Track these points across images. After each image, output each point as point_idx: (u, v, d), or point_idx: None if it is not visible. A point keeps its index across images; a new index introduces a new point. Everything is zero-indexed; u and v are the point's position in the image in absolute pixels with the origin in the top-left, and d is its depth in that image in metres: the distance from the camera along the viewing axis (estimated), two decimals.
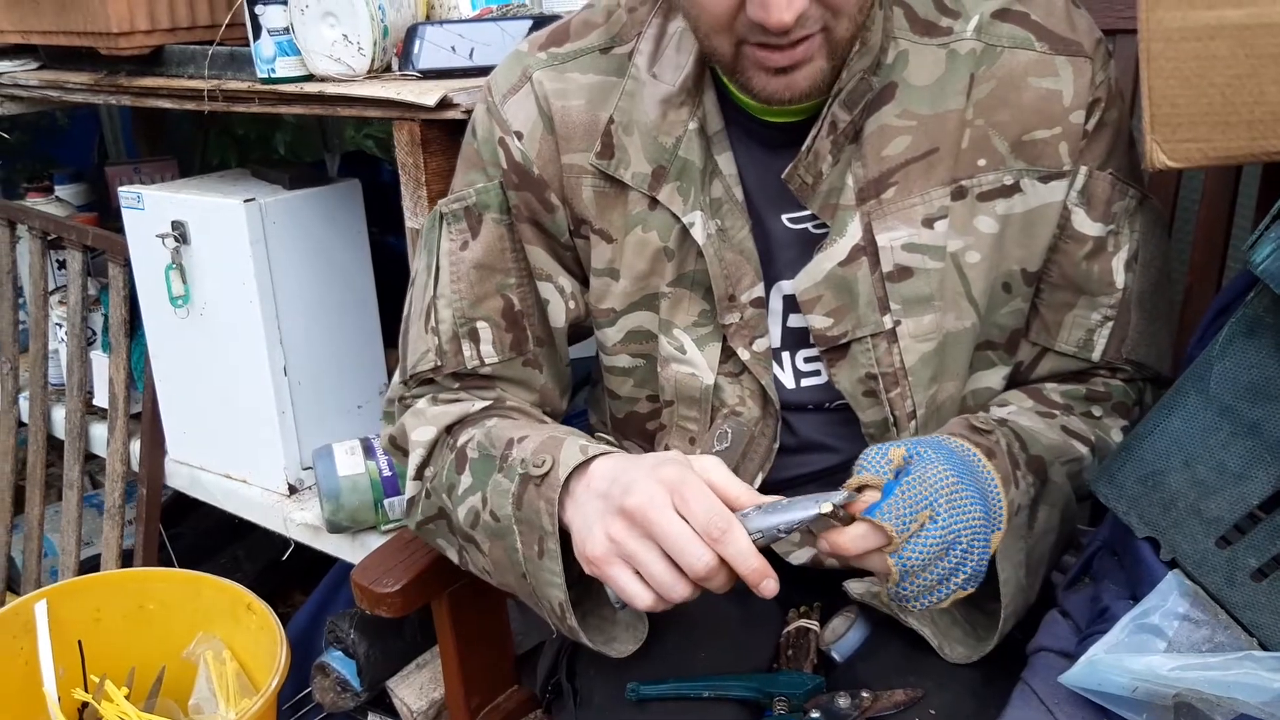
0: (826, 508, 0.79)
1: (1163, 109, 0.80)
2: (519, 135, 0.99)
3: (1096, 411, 0.99)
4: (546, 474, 0.87)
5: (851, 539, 0.79)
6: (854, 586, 1.00)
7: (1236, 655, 0.73)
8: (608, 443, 0.94)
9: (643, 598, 0.81)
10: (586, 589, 0.90)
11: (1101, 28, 1.07)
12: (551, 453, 0.88)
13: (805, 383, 1.01)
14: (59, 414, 1.95)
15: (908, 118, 0.92)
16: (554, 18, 1.24)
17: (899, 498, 0.78)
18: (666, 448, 1.04)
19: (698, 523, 0.78)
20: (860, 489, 0.81)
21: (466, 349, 1.03)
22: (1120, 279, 0.96)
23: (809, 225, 0.97)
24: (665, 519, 0.79)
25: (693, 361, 0.99)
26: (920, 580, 0.79)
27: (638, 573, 0.81)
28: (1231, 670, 0.72)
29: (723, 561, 0.79)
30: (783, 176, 0.92)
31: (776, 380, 1.00)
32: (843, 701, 0.92)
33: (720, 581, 0.80)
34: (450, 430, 1.02)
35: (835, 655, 1.00)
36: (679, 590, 0.80)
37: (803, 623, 1.02)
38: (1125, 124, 0.97)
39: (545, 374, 1.07)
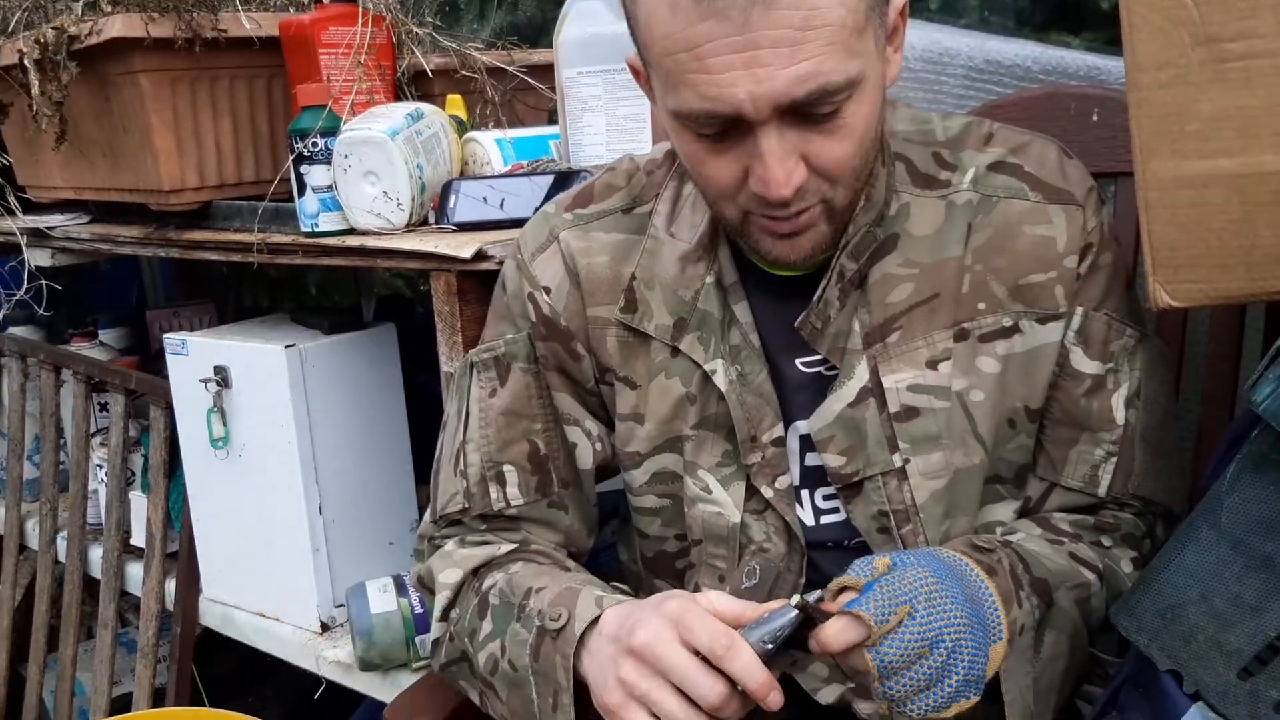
0: (795, 599, 0.81)
1: (1162, 252, 0.83)
2: (547, 290, 1.05)
3: (1106, 541, 1.01)
4: (562, 629, 0.90)
5: (832, 633, 0.80)
6: (862, 708, 1.00)
7: None
8: (624, 592, 0.96)
9: None
10: None
11: (1104, 172, 1.12)
12: (567, 606, 0.91)
13: (825, 520, 1.03)
14: (96, 553, 1.97)
15: (910, 266, 0.96)
16: (578, 172, 1.30)
17: (877, 592, 0.80)
18: (697, 586, 1.06)
19: (703, 645, 0.81)
20: (841, 590, 0.82)
21: (494, 491, 1.06)
22: (1120, 415, 0.98)
23: (821, 369, 1.00)
24: (672, 653, 0.81)
25: (719, 501, 1.02)
26: (905, 680, 0.79)
27: (655, 715, 0.83)
28: None
29: (732, 687, 0.81)
30: (796, 325, 0.96)
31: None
32: None
33: (733, 710, 0.82)
34: (476, 573, 1.05)
35: None
36: None
37: None
38: (1121, 266, 1.00)
39: (570, 515, 1.10)
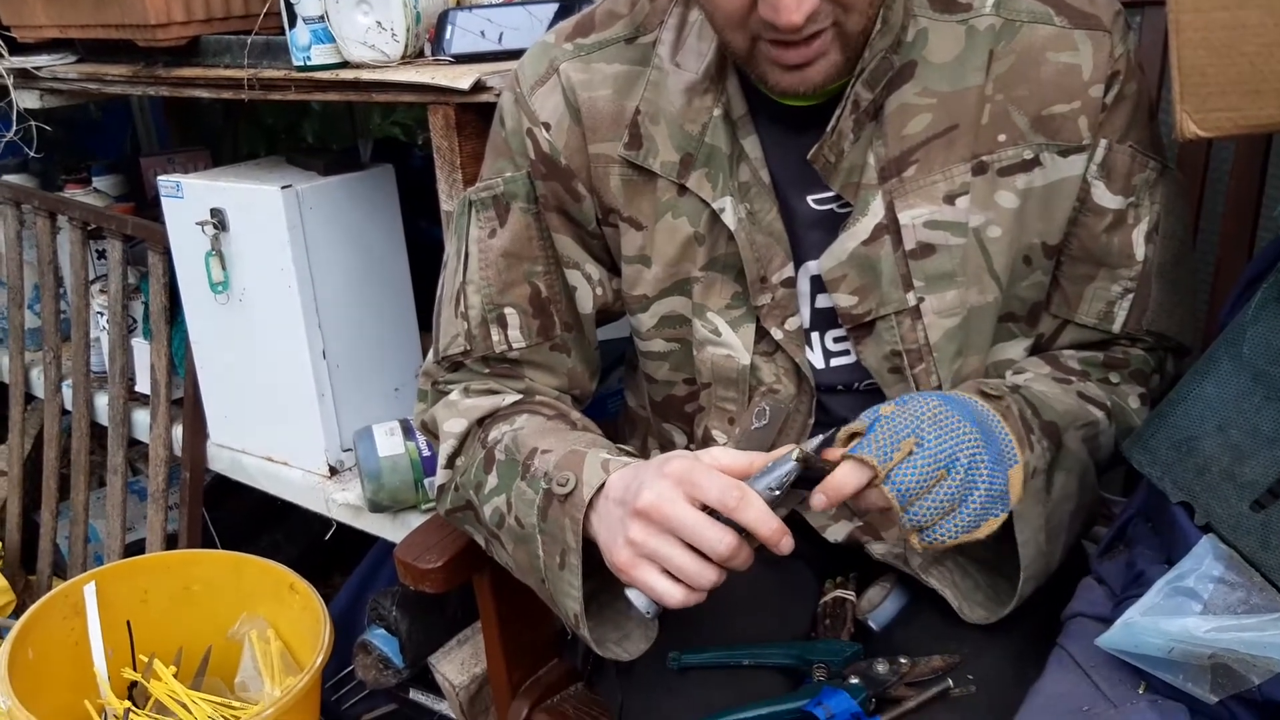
0: (796, 450, 0.82)
1: (1192, 79, 0.80)
2: (546, 126, 1.01)
3: (1114, 378, 1.00)
4: (570, 494, 0.89)
5: (839, 480, 0.81)
6: (875, 548, 1.02)
7: (1272, 616, 0.74)
8: (627, 453, 0.96)
9: (673, 593, 0.83)
10: (605, 582, 0.92)
11: (1131, 0, 1.07)
12: (574, 470, 0.90)
13: (835, 362, 1.02)
14: (101, 401, 1.98)
15: (927, 95, 0.93)
16: (582, 1, 1.25)
17: (878, 431, 0.80)
18: (706, 429, 1.05)
19: (713, 499, 0.81)
20: (851, 437, 0.83)
21: (495, 334, 1.05)
22: (1140, 251, 0.96)
23: (834, 206, 0.98)
24: (679, 510, 0.81)
25: (728, 343, 1.01)
26: (929, 504, 0.80)
27: (666, 571, 0.83)
28: (1267, 631, 0.73)
29: (740, 535, 0.81)
30: (809, 157, 0.93)
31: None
32: (881, 668, 0.93)
33: (743, 558, 0.82)
34: (481, 424, 1.04)
35: (872, 624, 1.02)
36: (707, 576, 0.82)
37: (839, 592, 1.04)
38: (1145, 96, 0.97)
39: (573, 358, 1.08)
